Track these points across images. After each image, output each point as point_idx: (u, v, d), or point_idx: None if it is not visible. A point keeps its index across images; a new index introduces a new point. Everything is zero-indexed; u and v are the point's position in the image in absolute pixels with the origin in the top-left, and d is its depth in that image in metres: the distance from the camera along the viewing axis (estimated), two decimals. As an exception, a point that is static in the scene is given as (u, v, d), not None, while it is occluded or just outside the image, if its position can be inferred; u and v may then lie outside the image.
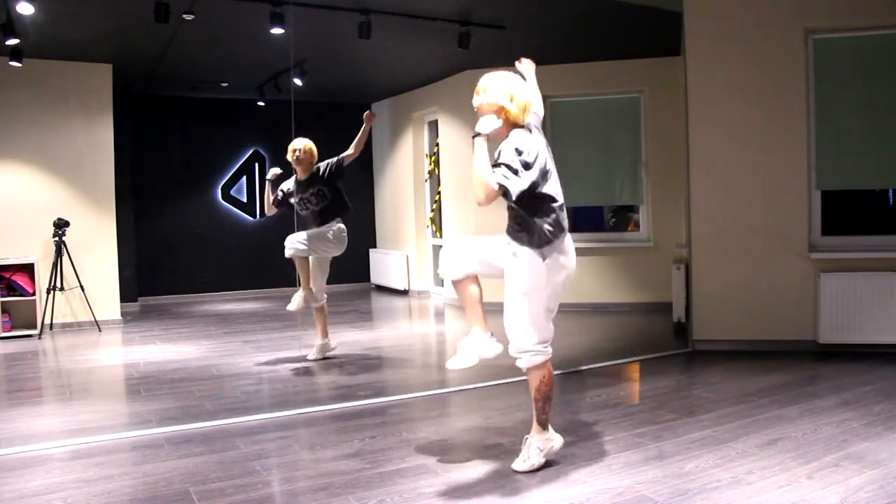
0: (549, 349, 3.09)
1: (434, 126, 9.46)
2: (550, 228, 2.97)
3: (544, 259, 2.96)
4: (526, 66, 3.53)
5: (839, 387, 4.34)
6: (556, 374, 4.97)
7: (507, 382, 4.75)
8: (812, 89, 5.41)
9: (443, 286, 9.17)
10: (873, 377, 4.54)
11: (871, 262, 5.26)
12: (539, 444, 3.13)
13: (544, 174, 2.97)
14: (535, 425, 3.16)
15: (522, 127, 3.03)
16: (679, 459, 3.18)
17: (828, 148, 5.42)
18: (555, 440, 3.18)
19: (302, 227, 5.50)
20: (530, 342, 3.03)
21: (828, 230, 5.48)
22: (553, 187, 3.01)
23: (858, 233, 5.57)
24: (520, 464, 3.11)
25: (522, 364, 3.08)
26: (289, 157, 5.41)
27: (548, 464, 3.13)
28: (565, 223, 3.05)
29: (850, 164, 5.46)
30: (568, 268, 3.07)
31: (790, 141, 5.39)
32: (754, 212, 5.47)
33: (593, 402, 4.21)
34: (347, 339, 6.52)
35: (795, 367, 4.92)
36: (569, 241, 3.08)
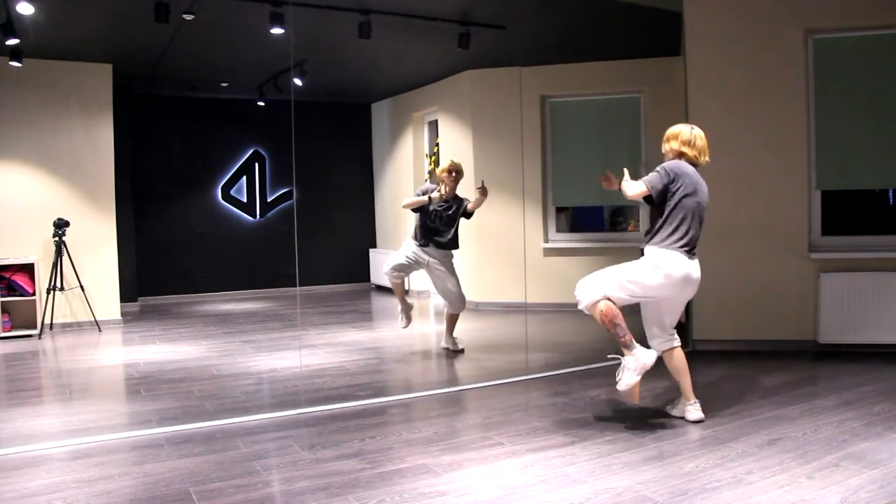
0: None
1: (434, 126, 9.45)
2: None
3: None
4: None
5: (839, 387, 4.35)
6: (557, 374, 5.01)
7: (508, 382, 4.76)
8: (812, 89, 5.41)
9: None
10: (873, 377, 4.54)
11: (871, 262, 5.26)
12: (628, 363, 3.59)
13: None
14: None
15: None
16: (679, 459, 3.18)
17: (828, 148, 5.42)
18: (640, 356, 3.56)
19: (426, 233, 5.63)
20: None
21: (828, 230, 5.48)
22: None
23: (858, 233, 5.57)
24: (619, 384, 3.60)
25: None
26: (444, 172, 5.56)
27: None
28: None
29: (850, 164, 5.46)
30: None
31: (790, 141, 5.39)
32: (754, 212, 5.46)
33: (593, 402, 4.21)
34: (347, 339, 6.52)
35: (795, 367, 4.93)
36: None
